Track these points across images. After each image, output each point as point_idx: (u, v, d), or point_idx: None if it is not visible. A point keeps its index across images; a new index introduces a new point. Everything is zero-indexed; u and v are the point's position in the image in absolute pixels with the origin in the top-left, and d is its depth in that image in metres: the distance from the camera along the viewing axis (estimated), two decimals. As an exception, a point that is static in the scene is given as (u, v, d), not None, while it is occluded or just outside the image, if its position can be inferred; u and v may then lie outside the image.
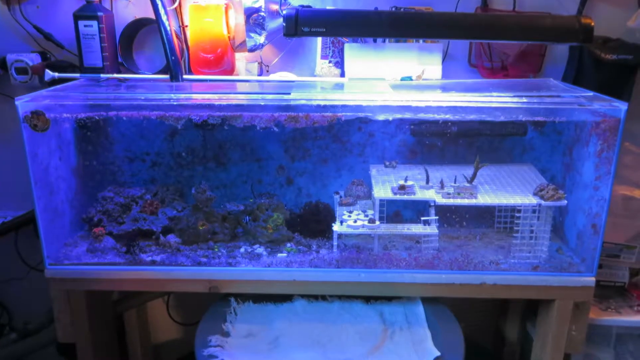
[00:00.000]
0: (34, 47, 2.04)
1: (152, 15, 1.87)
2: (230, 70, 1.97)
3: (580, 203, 1.72)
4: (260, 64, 2.01)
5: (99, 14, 1.86)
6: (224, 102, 1.61)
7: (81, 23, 1.86)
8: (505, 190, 1.77)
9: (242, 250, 1.76)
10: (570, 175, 1.82)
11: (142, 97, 1.60)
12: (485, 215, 1.90)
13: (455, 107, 1.60)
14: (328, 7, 1.94)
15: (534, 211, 1.68)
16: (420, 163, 1.93)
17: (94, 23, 1.86)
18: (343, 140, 1.95)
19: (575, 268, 1.69)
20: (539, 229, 1.71)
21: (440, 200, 1.70)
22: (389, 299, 1.78)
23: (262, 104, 1.61)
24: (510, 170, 1.91)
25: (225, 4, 1.90)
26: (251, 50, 1.92)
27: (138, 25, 2.01)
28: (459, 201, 1.70)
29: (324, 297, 1.77)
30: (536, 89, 1.76)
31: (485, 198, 1.71)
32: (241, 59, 2.00)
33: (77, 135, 1.86)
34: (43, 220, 1.65)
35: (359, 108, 1.61)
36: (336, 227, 1.73)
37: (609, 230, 1.87)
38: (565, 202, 1.67)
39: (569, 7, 1.95)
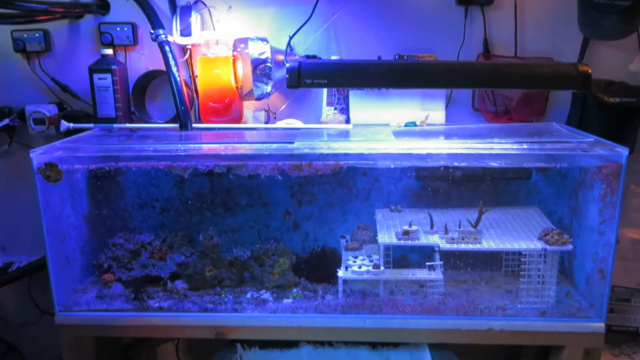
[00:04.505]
0: (51, 98, 2.13)
1: (164, 67, 1.95)
2: (239, 119, 2.03)
3: (587, 247, 1.71)
4: (268, 111, 2.06)
5: (113, 67, 1.94)
6: (229, 152, 1.66)
7: (96, 76, 1.95)
8: (510, 234, 1.77)
9: (248, 296, 1.78)
10: (576, 219, 1.81)
11: (151, 148, 1.66)
12: (492, 259, 1.89)
13: (456, 154, 1.62)
14: (333, 57, 2.00)
15: (540, 256, 1.68)
16: (426, 207, 1.94)
17: (108, 76, 1.94)
18: (349, 185, 1.98)
19: (583, 313, 1.67)
20: (546, 274, 1.70)
21: (445, 245, 1.71)
22: (396, 344, 1.76)
23: (267, 153, 1.65)
24: (515, 214, 1.91)
25: (233, 56, 1.97)
26: (258, 98, 1.98)
27: (150, 77, 2.09)
28: (462, 246, 1.70)
29: (330, 343, 1.77)
30: (538, 134, 1.77)
31: (490, 243, 1.71)
32: (249, 107, 2.06)
33: (89, 184, 1.92)
34: (54, 268, 1.70)
35: (361, 156, 1.64)
36: (341, 273, 1.74)
37: (620, 274, 1.86)
38: (571, 247, 1.66)
39: (571, 51, 1.98)
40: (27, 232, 2.22)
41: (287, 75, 1.65)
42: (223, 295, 1.78)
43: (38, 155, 1.63)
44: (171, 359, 2.34)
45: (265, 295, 1.78)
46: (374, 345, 1.76)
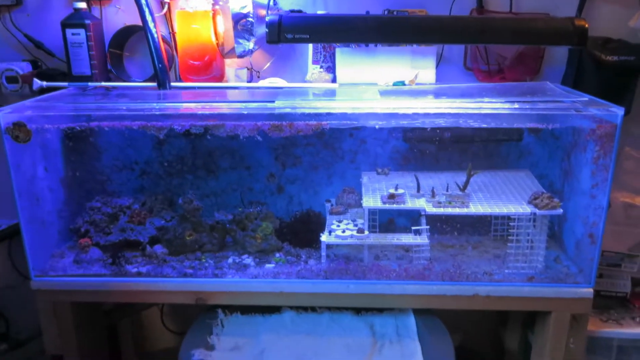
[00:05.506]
0: (25, 56, 2.03)
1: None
2: (220, 77, 1.95)
3: (578, 211, 1.66)
4: (250, 70, 1.97)
5: (87, 21, 1.84)
6: (206, 111, 1.58)
7: (69, 31, 1.85)
8: (499, 198, 1.71)
9: (229, 260, 1.73)
10: (568, 182, 1.76)
11: (124, 107, 1.58)
12: (480, 223, 1.84)
13: (444, 114, 1.55)
14: (319, 12, 1.91)
15: (529, 220, 1.63)
16: (414, 170, 1.88)
17: (82, 31, 1.85)
18: (334, 147, 1.91)
19: (572, 279, 1.63)
20: (535, 238, 1.65)
21: (431, 209, 1.66)
22: (381, 310, 1.73)
23: (245, 112, 1.57)
24: (505, 177, 1.85)
25: (213, 10, 1.87)
26: (240, 56, 1.89)
27: (128, 32, 1.99)
28: (449, 210, 1.65)
29: (313, 309, 1.73)
30: (531, 93, 1.69)
31: (478, 207, 1.66)
32: (231, 65, 1.97)
33: (65, 145, 1.85)
34: (28, 231, 1.65)
35: (345, 116, 1.57)
36: (324, 238, 1.69)
37: (610, 239, 1.82)
38: (561, 210, 1.61)
39: (569, 6, 1.88)
40: (5, 195, 2.15)
41: (267, 30, 1.56)
42: (203, 260, 1.73)
43: (6, 115, 1.56)
44: (156, 324, 2.32)
45: (247, 260, 1.74)
46: (358, 311, 1.73)
